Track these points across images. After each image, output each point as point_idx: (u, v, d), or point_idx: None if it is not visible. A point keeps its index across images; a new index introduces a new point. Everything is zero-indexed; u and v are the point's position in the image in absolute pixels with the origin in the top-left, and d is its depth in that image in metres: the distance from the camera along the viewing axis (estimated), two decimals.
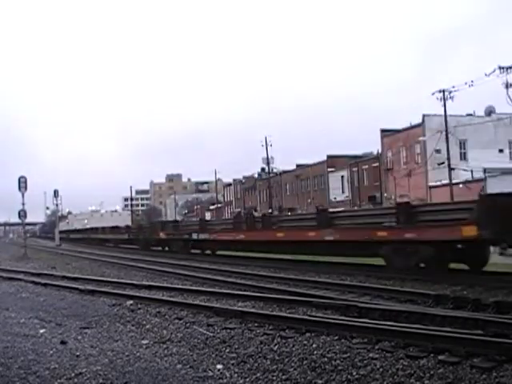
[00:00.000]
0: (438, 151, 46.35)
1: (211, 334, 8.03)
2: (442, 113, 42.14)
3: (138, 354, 6.95)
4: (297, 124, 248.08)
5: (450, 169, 41.46)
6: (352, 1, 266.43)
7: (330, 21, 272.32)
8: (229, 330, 8.25)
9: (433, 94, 41.28)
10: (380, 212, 20.15)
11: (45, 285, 15.53)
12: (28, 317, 10.11)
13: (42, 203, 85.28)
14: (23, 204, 35.63)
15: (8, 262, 29.03)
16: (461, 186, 41.94)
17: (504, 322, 7.21)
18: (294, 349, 6.94)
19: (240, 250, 24.34)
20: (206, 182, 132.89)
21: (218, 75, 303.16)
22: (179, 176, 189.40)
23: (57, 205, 66.38)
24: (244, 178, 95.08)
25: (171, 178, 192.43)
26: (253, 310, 9.72)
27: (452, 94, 40.09)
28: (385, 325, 7.44)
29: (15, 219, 50.51)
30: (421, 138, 48.63)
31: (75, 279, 16.92)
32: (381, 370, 5.87)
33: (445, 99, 40.65)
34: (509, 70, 34.32)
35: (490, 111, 51.31)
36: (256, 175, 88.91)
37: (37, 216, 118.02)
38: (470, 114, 51.27)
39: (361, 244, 16.55)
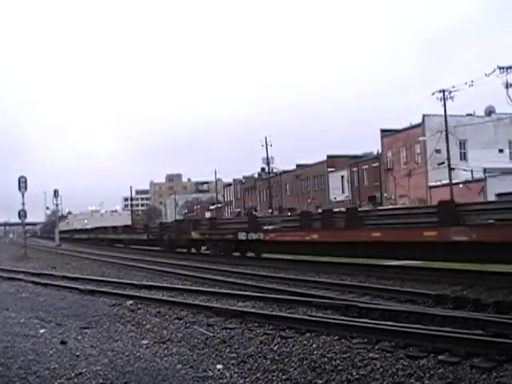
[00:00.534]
0: (437, 151, 46.37)
1: (211, 334, 8.03)
2: (442, 113, 42.17)
3: (138, 354, 6.95)
4: (297, 124, 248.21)
5: (450, 169, 41.48)
6: (352, 0, 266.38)
7: (331, 20, 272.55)
8: (229, 330, 8.25)
9: (433, 94, 41.37)
10: None
11: (45, 285, 15.54)
12: (28, 317, 10.11)
13: (42, 203, 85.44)
14: (23, 204, 35.67)
15: (8, 261, 29.04)
16: (461, 185, 41.99)
17: (504, 321, 7.21)
18: (293, 349, 6.94)
19: (306, 253, 19.81)
20: (206, 182, 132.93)
21: (219, 75, 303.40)
22: (179, 176, 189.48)
23: (57, 205, 66.48)
24: (244, 177, 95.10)
25: (171, 178, 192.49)
26: (253, 310, 9.71)
27: (452, 94, 40.18)
28: (385, 325, 7.44)
29: (15, 219, 50.49)
30: (421, 138, 48.65)
31: (75, 279, 16.92)
32: (381, 370, 5.87)
33: (445, 99, 40.71)
34: (509, 70, 34.36)
35: (490, 111, 51.34)
36: (256, 175, 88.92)
37: (37, 216, 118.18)
38: (470, 114, 51.30)
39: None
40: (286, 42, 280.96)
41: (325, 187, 67.78)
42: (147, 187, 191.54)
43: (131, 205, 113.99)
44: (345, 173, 64.56)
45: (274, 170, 71.73)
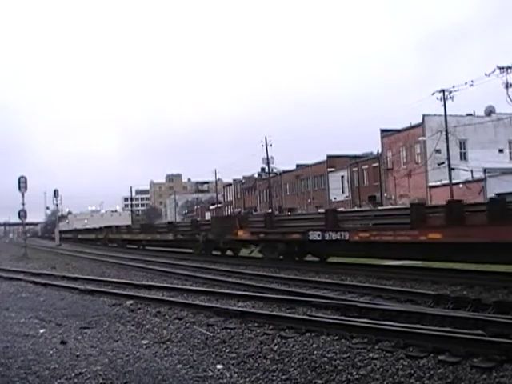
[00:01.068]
0: (438, 151, 46.38)
1: (211, 334, 8.03)
2: (442, 113, 42.17)
3: (138, 354, 6.95)
4: (297, 124, 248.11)
5: (450, 169, 41.48)
6: (353, 0, 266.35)
7: (331, 20, 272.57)
8: (229, 330, 8.25)
9: (433, 94, 41.38)
10: None
11: (45, 285, 15.54)
12: (28, 317, 10.11)
13: (42, 203, 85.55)
14: (23, 204, 35.67)
15: (8, 261, 29.05)
16: (461, 185, 42.00)
17: (504, 321, 7.21)
18: (294, 349, 6.94)
19: (417, 258, 16.21)
20: (206, 182, 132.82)
21: (219, 75, 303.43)
22: (179, 176, 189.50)
23: (57, 205, 66.62)
24: (244, 177, 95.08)
25: (171, 178, 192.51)
26: (253, 310, 9.71)
27: (452, 94, 40.18)
28: (385, 325, 7.44)
29: (15, 219, 50.48)
30: (421, 138, 48.66)
31: (75, 279, 16.92)
32: (381, 370, 5.87)
33: (445, 99, 40.70)
34: (509, 70, 34.37)
35: (489, 111, 51.34)
36: (256, 175, 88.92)
37: (37, 216, 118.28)
38: (470, 114, 51.30)
39: None
40: (285, 42, 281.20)
41: (325, 187, 67.79)
42: (147, 187, 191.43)
43: (131, 205, 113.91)
44: (345, 173, 64.57)
45: (274, 170, 71.81)
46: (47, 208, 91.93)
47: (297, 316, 8.94)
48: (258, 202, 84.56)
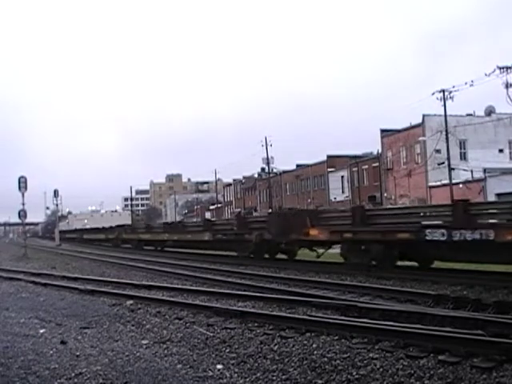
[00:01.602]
0: (438, 151, 46.39)
1: (211, 334, 8.03)
2: (442, 113, 42.17)
3: (138, 354, 6.95)
4: (297, 124, 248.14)
5: (450, 169, 41.48)
6: (353, 0, 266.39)
7: (331, 21, 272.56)
8: (229, 330, 8.25)
9: (433, 94, 41.39)
10: None
11: (45, 285, 15.54)
12: (28, 317, 10.11)
13: (42, 203, 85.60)
14: (23, 204, 35.67)
15: (8, 261, 29.04)
16: (461, 185, 42.01)
17: (504, 321, 7.21)
18: (294, 349, 6.94)
19: None
20: (206, 182, 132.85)
21: (219, 75, 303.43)
22: (179, 176, 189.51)
23: (57, 205, 66.56)
24: (244, 177, 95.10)
25: (171, 178, 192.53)
26: (253, 310, 9.71)
27: (452, 94, 40.18)
28: (385, 325, 7.44)
29: (15, 219, 50.47)
30: (421, 138, 48.66)
31: (75, 279, 16.92)
32: (381, 370, 5.87)
33: (445, 99, 40.70)
34: (509, 70, 34.38)
35: (489, 111, 51.35)
36: (256, 175, 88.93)
37: (37, 216, 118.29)
38: (470, 114, 51.31)
39: None
40: (285, 42, 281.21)
41: (325, 187, 67.80)
42: (147, 187, 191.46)
43: (131, 205, 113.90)
44: (345, 173, 64.57)
45: (274, 170, 71.81)
46: (47, 208, 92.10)
47: (297, 316, 8.93)
48: (258, 202, 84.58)
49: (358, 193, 60.54)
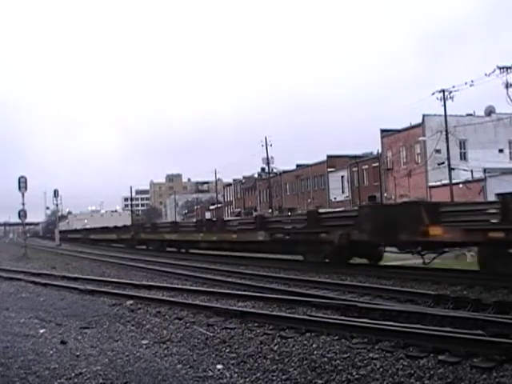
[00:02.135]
0: (438, 151, 46.39)
1: (211, 334, 8.03)
2: (442, 113, 42.17)
3: (138, 354, 6.95)
4: (297, 124, 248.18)
5: (450, 169, 41.49)
6: (353, 0, 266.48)
7: (331, 20, 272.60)
8: (229, 330, 8.25)
9: (433, 94, 41.37)
10: None
11: (45, 285, 15.54)
12: (28, 317, 10.11)
13: (42, 203, 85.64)
14: (23, 204, 35.68)
15: (8, 261, 29.05)
16: (461, 185, 42.01)
17: (504, 322, 7.21)
18: (294, 349, 6.94)
19: None
20: (206, 182, 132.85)
21: (219, 75, 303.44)
22: (179, 176, 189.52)
23: (57, 205, 66.54)
24: (244, 177, 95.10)
25: (171, 178, 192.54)
26: (253, 310, 9.72)
27: (452, 94, 40.15)
28: (385, 325, 7.44)
29: (15, 219, 50.46)
30: (421, 138, 48.67)
31: (75, 279, 16.92)
32: (381, 369, 5.87)
33: (445, 99, 40.68)
34: (509, 70, 34.38)
35: (489, 111, 51.37)
36: (256, 175, 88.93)
37: (37, 216, 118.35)
38: (470, 114, 51.32)
39: None
40: (285, 42, 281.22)
41: (325, 187, 67.81)
42: (147, 187, 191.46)
43: (131, 205, 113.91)
44: (345, 173, 64.59)
45: (274, 170, 71.81)
46: (47, 208, 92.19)
47: (297, 316, 8.94)
48: (258, 202, 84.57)
49: (358, 193, 60.55)
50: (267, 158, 65.59)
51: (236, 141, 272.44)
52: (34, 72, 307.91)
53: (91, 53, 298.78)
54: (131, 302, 11.54)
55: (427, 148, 48.33)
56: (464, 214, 14.47)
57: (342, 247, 17.16)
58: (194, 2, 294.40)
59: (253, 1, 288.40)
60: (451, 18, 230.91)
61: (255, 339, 7.61)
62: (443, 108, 41.50)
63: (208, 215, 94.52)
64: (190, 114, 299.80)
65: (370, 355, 6.39)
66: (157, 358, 6.75)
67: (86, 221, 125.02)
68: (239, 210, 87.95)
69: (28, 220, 42.18)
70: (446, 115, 41.91)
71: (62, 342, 7.66)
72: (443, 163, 43.26)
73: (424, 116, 49.73)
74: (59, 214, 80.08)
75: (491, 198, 36.81)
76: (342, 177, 65.08)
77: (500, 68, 34.54)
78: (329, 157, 68.22)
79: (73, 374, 5.99)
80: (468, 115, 50.66)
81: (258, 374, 5.99)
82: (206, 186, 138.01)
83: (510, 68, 34.54)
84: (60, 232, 66.20)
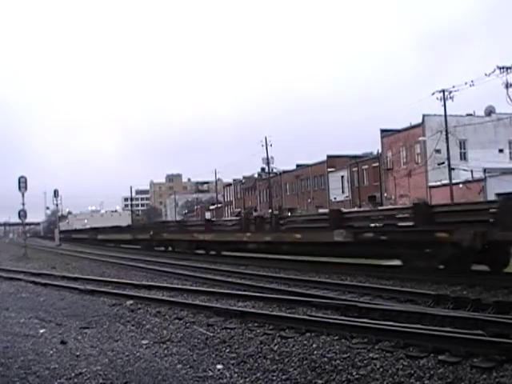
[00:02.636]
0: (438, 151, 46.41)
1: (211, 334, 8.03)
2: (442, 113, 42.18)
3: (138, 354, 6.95)
4: (297, 124, 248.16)
5: (450, 169, 41.50)
6: (353, 0, 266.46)
7: (331, 20, 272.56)
8: (229, 330, 8.25)
9: (433, 94, 41.43)
10: None
11: (45, 285, 15.54)
12: (28, 317, 10.11)
13: (42, 203, 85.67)
14: (23, 204, 35.70)
15: (8, 261, 29.05)
16: (461, 185, 42.03)
17: (504, 321, 7.21)
18: (294, 349, 6.94)
19: None
20: (206, 182, 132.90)
21: (219, 75, 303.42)
22: (179, 176, 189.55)
23: (57, 205, 66.59)
24: (244, 177, 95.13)
25: (171, 178, 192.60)
26: (253, 310, 9.71)
27: (452, 94, 40.23)
28: (385, 325, 7.44)
29: (15, 219, 50.45)
30: (421, 138, 48.68)
31: (75, 279, 16.92)
32: (381, 370, 5.87)
33: (445, 99, 40.73)
34: (509, 70, 34.41)
35: (489, 111, 51.38)
36: (256, 175, 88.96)
37: (37, 216, 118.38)
38: (470, 114, 51.33)
39: None
40: (285, 42, 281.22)
41: (325, 187, 67.81)
42: (147, 187, 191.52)
43: (131, 205, 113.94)
44: (345, 173, 64.59)
45: (274, 170, 71.86)
46: (47, 208, 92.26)
47: (297, 316, 8.93)
48: (258, 202, 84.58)
49: (358, 193, 60.56)
50: (267, 158, 65.66)
51: (236, 141, 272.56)
52: (33, 72, 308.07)
53: (91, 53, 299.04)
54: (131, 301, 11.54)
55: (427, 148, 48.34)
56: None
57: (470, 250, 13.38)
58: (193, 2, 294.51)
59: (253, 1, 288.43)
60: (451, 18, 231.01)
61: (255, 339, 7.61)
62: (443, 108, 41.56)
63: (208, 215, 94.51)
64: (190, 114, 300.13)
65: (370, 355, 6.39)
66: (157, 358, 6.75)
67: (85, 221, 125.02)
68: (239, 209, 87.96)
69: (28, 220, 42.20)
70: (445, 115, 41.93)
71: (62, 342, 7.66)
72: (443, 163, 43.28)
73: (424, 116, 49.74)
74: (59, 213, 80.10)
75: (491, 197, 36.83)
76: (342, 177, 65.08)
77: (500, 68, 34.61)
78: (329, 157, 68.22)
79: (73, 374, 5.99)
80: (468, 115, 50.67)
81: (258, 374, 5.99)
82: (205, 185, 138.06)
83: (509, 68, 34.59)
84: (63, 232, 65.83)
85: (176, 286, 13.95)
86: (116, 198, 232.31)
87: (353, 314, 8.63)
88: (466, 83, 37.37)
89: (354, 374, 5.78)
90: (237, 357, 6.72)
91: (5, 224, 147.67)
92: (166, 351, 7.17)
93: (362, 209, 39.75)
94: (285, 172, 76.58)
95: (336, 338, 7.30)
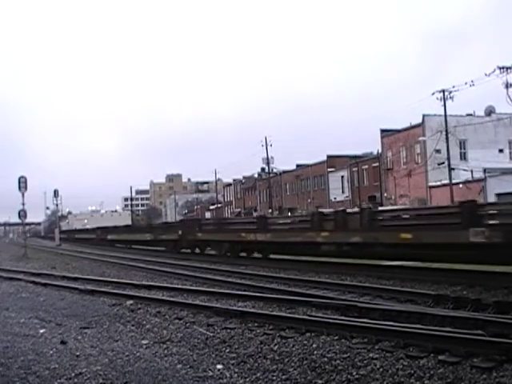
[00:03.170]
0: (438, 151, 46.39)
1: (211, 334, 8.03)
2: (442, 113, 42.17)
3: (138, 354, 6.95)
4: (297, 124, 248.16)
5: (450, 169, 41.48)
6: (354, 1, 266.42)
7: (331, 20, 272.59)
8: (229, 330, 8.25)
9: (433, 94, 41.41)
10: None
11: (45, 285, 15.54)
12: (28, 317, 10.11)
13: (42, 203, 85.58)
14: (23, 204, 35.71)
15: (8, 261, 29.05)
16: (461, 185, 42.02)
17: (504, 321, 7.21)
18: (294, 349, 6.94)
19: None
20: (206, 182, 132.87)
21: (219, 75, 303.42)
22: (179, 176, 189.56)
23: (57, 205, 66.55)
24: (244, 177, 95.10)
25: (171, 178, 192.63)
26: (253, 310, 9.71)
27: (452, 94, 40.21)
28: (385, 325, 7.44)
29: (15, 219, 50.41)
30: (421, 138, 48.66)
31: (75, 279, 16.93)
32: (381, 369, 5.87)
33: (445, 99, 40.72)
34: (509, 70, 34.41)
35: (489, 111, 51.35)
36: (256, 175, 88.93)
37: (37, 216, 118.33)
38: (470, 114, 51.30)
39: None
40: (285, 42, 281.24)
41: (325, 187, 67.79)
42: (147, 187, 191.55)
43: (131, 205, 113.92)
44: (345, 173, 64.57)
45: (274, 170, 71.82)
46: (47, 208, 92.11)
47: (297, 316, 8.93)
48: (258, 202, 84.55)
49: (358, 193, 60.54)
50: (267, 158, 65.63)
51: (236, 141, 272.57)
52: (34, 72, 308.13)
53: (91, 53, 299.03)
54: (131, 301, 11.55)
55: (427, 148, 48.32)
56: None
57: None
58: (194, 2, 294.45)
59: (253, 1, 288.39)
60: (451, 18, 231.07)
61: (255, 339, 7.60)
62: (443, 108, 41.55)
63: (208, 215, 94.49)
64: (190, 113, 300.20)
65: (370, 355, 6.39)
66: (157, 358, 6.75)
67: (85, 221, 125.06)
68: (239, 209, 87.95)
69: (28, 220, 42.17)
70: (446, 115, 41.91)
71: (62, 342, 7.66)
72: (443, 163, 43.27)
73: (424, 116, 49.72)
74: (59, 214, 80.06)
75: (491, 197, 36.86)
76: (342, 177, 65.06)
77: (500, 68, 34.62)
78: (329, 157, 68.20)
79: (73, 374, 5.99)
80: (468, 115, 50.65)
81: (258, 374, 5.99)
82: (206, 185, 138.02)
83: (510, 68, 34.59)
84: (65, 232, 65.31)
85: (176, 286, 13.95)
86: (116, 198, 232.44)
87: (353, 313, 8.63)
88: (466, 83, 37.41)
89: (354, 373, 5.78)
90: (237, 357, 6.72)
91: (5, 224, 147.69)
92: (166, 351, 7.17)
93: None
94: (285, 172, 76.56)
95: (336, 338, 7.30)
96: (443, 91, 40.50)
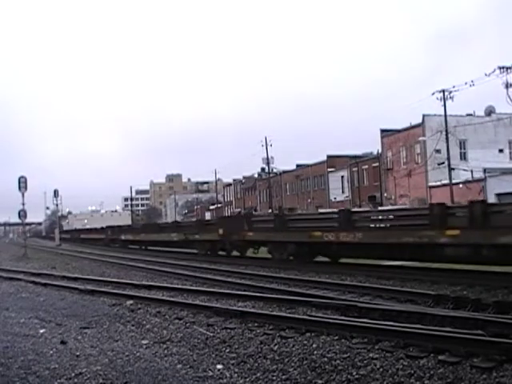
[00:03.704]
0: (438, 151, 46.37)
1: (211, 334, 8.03)
2: (442, 113, 42.16)
3: (138, 354, 6.95)
4: (297, 124, 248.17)
5: (450, 169, 41.47)
6: (354, 0, 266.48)
7: (331, 20, 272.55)
8: (229, 330, 8.26)
9: (433, 94, 41.36)
10: None
11: (45, 285, 15.54)
12: (28, 317, 10.11)
13: (42, 203, 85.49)
14: (23, 204, 35.73)
15: (8, 261, 29.06)
16: (461, 185, 42.01)
17: (504, 322, 7.21)
18: (294, 349, 6.94)
19: None
20: (206, 182, 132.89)
21: (219, 75, 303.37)
22: (179, 176, 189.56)
23: (57, 205, 66.58)
24: (244, 177, 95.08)
25: (171, 178, 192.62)
26: (253, 310, 9.72)
27: (452, 94, 40.14)
28: (385, 325, 7.44)
29: (15, 219, 50.41)
30: (421, 138, 48.65)
31: (75, 279, 16.93)
32: (381, 369, 5.87)
33: (445, 99, 40.67)
34: (509, 70, 34.39)
35: (489, 111, 51.34)
36: (256, 175, 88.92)
37: (37, 216, 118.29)
38: (470, 114, 51.29)
39: None
40: (285, 42, 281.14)
41: (325, 187, 67.80)
42: (147, 187, 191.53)
43: (131, 205, 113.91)
44: (345, 173, 64.56)
45: (274, 170, 71.79)
46: (47, 208, 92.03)
47: (297, 316, 8.94)
48: (258, 202, 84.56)
49: (358, 193, 60.54)
50: (267, 158, 65.58)
51: (236, 141, 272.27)
52: (34, 72, 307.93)
53: (91, 53, 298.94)
54: (131, 301, 11.55)
55: (427, 148, 48.31)
56: None
57: None
58: (194, 3, 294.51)
59: (253, 1, 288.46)
60: (452, 19, 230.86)
61: (255, 339, 7.61)
62: (443, 108, 41.50)
63: (208, 215, 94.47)
64: (189, 114, 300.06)
65: (370, 355, 6.39)
66: (157, 358, 6.75)
67: (85, 221, 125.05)
68: (239, 209, 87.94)
69: (28, 220, 42.17)
70: (445, 115, 41.90)
71: (62, 342, 7.67)
72: (443, 163, 43.25)
73: (424, 116, 49.71)
74: (59, 213, 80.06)
75: (491, 198, 36.85)
76: (342, 177, 65.05)
77: (500, 68, 34.58)
78: (329, 157, 68.19)
79: (73, 374, 5.99)
80: (468, 115, 50.63)
81: (258, 374, 5.99)
82: (205, 186, 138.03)
83: (510, 68, 34.56)
84: (68, 232, 64.72)
85: (176, 286, 13.96)
86: (116, 198, 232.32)
87: (353, 313, 8.63)
88: (466, 83, 37.34)
89: (354, 373, 5.78)
90: (237, 357, 6.72)
91: (5, 224, 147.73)
92: (166, 351, 7.17)
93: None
94: (285, 172, 76.54)
95: (336, 338, 7.31)
96: (443, 91, 40.48)
